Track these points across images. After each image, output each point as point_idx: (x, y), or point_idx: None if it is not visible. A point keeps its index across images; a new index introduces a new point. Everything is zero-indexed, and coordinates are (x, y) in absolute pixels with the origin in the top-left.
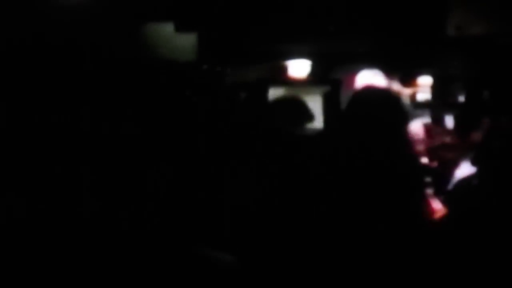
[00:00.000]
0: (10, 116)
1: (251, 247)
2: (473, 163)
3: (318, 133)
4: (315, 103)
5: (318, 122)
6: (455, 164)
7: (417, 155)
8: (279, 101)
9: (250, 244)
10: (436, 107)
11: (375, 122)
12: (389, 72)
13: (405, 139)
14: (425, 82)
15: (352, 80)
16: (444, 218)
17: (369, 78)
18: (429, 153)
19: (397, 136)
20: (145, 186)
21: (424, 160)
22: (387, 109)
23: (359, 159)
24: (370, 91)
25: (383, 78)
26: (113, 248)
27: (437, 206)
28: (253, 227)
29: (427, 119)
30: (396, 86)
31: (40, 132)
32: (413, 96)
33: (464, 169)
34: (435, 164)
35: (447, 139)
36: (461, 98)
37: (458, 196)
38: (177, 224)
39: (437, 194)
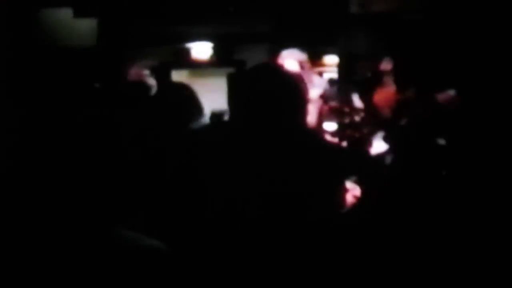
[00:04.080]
0: None
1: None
2: (385, 140)
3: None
4: (220, 85)
5: (222, 105)
6: (365, 143)
7: (322, 135)
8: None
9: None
10: (343, 86)
11: (267, 100)
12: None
13: (301, 118)
14: (331, 61)
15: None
16: (358, 197)
17: (285, 58)
18: (338, 133)
19: (293, 115)
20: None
21: (333, 140)
22: (276, 86)
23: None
24: (261, 70)
25: (295, 59)
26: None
27: (350, 186)
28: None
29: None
30: (305, 66)
31: None
32: (320, 76)
33: (376, 147)
34: (344, 144)
35: (356, 118)
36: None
37: (371, 174)
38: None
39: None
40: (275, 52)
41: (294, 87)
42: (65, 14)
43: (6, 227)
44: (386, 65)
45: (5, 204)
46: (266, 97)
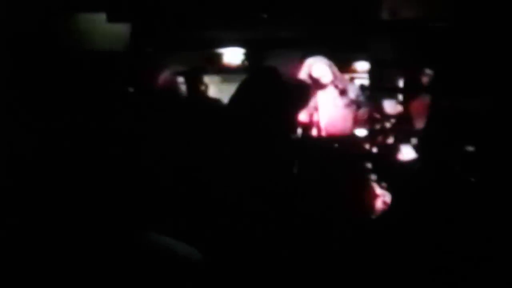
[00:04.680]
0: None
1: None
2: (416, 147)
3: None
4: None
5: None
6: (396, 149)
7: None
8: None
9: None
10: (374, 92)
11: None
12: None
13: (290, 123)
14: (362, 67)
15: (294, 68)
16: (388, 204)
17: (312, 65)
18: (369, 139)
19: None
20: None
21: (365, 146)
22: (271, 93)
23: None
24: (258, 78)
25: (326, 65)
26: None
27: (380, 191)
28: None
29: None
30: (336, 72)
31: None
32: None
33: (406, 154)
34: (375, 150)
35: (387, 125)
36: (400, 83)
37: (401, 181)
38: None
39: (380, 179)
40: (302, 59)
41: (279, 94)
42: (98, 18)
43: (28, 232)
44: (423, 74)
45: (26, 210)
46: (251, 99)
